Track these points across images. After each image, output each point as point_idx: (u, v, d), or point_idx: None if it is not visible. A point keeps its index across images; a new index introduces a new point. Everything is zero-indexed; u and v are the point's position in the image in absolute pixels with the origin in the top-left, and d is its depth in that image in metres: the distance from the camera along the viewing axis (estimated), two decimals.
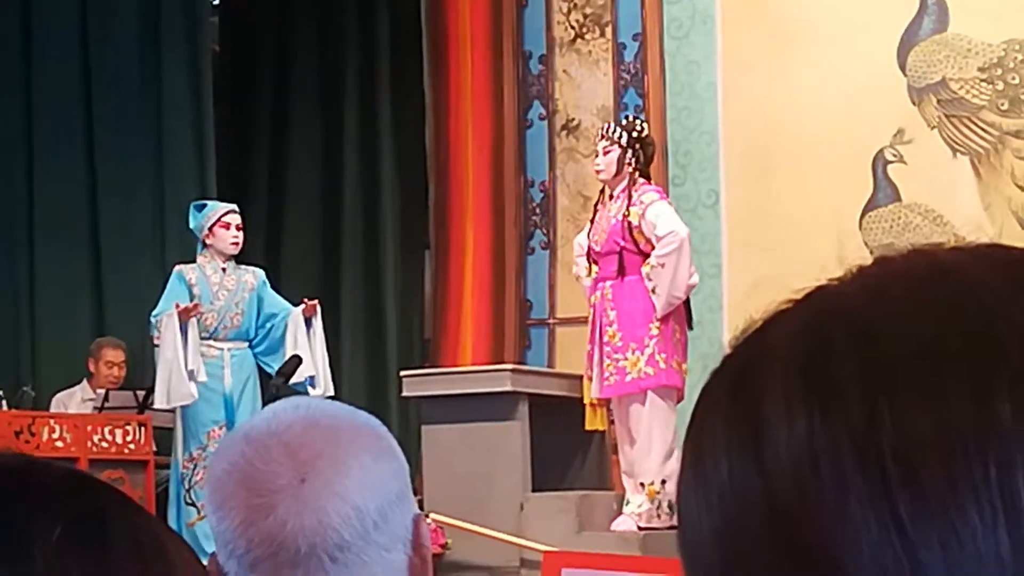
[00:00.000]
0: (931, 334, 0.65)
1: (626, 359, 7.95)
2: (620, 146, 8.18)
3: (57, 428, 8.66)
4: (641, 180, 8.21)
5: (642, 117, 8.92)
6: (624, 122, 8.48)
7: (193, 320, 8.48)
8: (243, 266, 8.92)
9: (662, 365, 7.90)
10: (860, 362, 0.65)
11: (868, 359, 0.65)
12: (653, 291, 7.96)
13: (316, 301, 8.72)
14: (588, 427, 8.19)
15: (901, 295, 0.67)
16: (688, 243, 8.01)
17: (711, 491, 0.68)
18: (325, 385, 8.54)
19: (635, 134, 8.23)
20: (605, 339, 8.05)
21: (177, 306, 8.46)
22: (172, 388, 8.41)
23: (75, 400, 9.87)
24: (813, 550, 0.64)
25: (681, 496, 0.70)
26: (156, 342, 8.63)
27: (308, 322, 8.74)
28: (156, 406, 8.56)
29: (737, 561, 0.66)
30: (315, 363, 8.57)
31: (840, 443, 0.64)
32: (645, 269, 8.00)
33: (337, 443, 1.56)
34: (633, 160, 8.17)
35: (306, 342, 8.61)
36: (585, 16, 10.55)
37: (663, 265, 7.93)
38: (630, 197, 8.12)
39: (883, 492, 0.63)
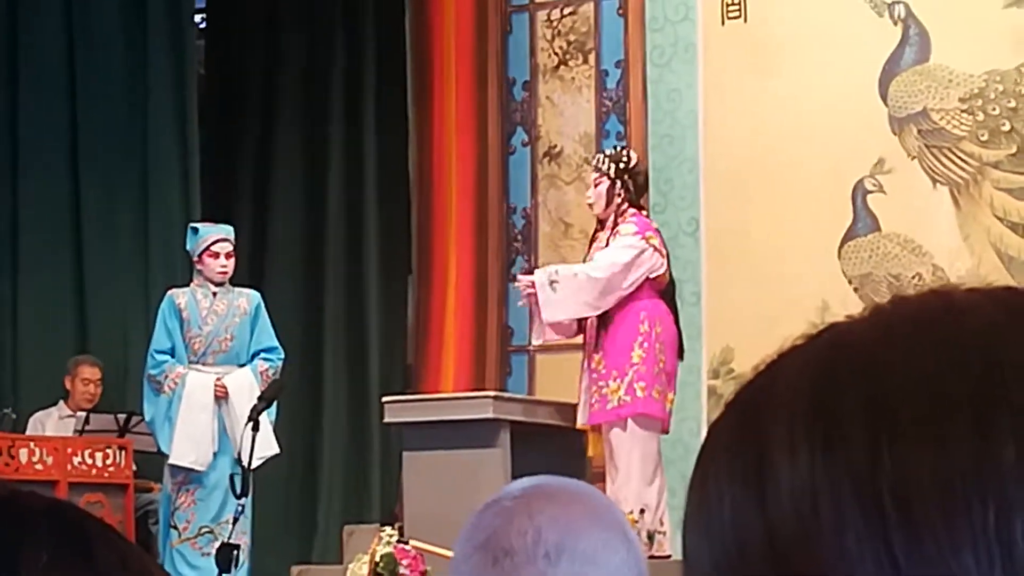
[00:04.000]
0: (936, 375, 0.65)
1: (608, 386, 7.96)
2: (608, 177, 8.14)
3: (37, 451, 8.66)
4: (631, 211, 8.17)
5: (628, 146, 8.89)
6: (611, 152, 8.44)
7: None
8: (238, 288, 8.90)
9: (639, 393, 7.88)
10: (864, 400, 0.65)
11: (872, 397, 0.65)
12: (551, 284, 7.97)
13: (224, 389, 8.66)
14: (592, 452, 8.15)
15: (910, 334, 0.67)
16: (608, 286, 7.94)
17: (713, 522, 0.68)
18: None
19: (622, 164, 8.18)
20: (592, 366, 8.07)
21: (217, 384, 8.51)
22: (200, 454, 8.44)
23: (52, 419, 9.86)
24: None
25: (685, 526, 0.70)
26: (159, 383, 8.61)
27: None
28: (175, 461, 8.52)
29: None
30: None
31: (840, 481, 0.64)
32: (574, 269, 7.98)
33: (572, 495, 1.68)
34: (622, 191, 8.15)
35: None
36: (569, 43, 10.57)
37: (575, 276, 7.95)
38: (615, 227, 8.13)
39: (880, 531, 0.63)
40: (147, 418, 8.71)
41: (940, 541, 0.62)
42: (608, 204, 8.14)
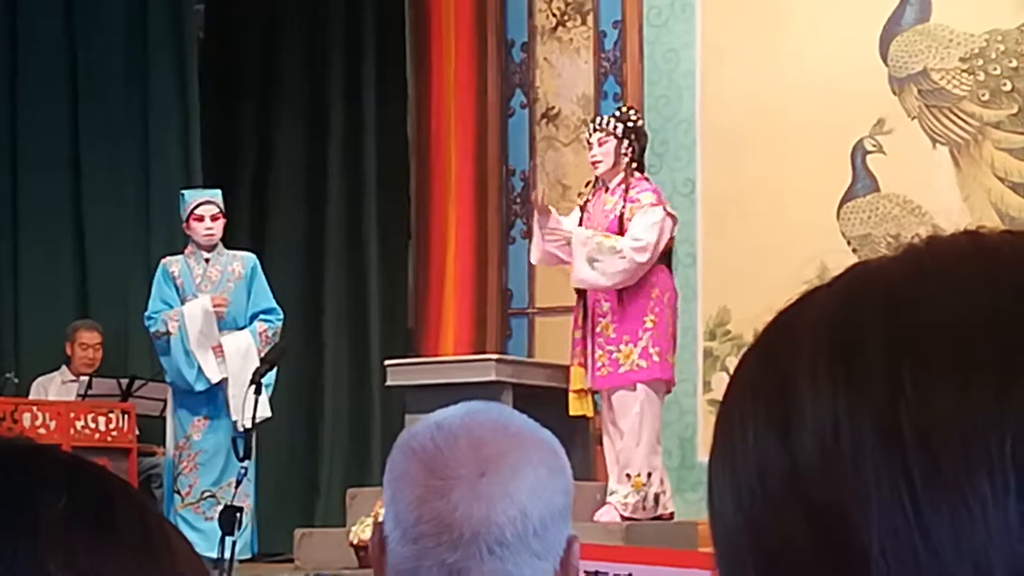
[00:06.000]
0: (960, 309, 0.66)
1: (619, 351, 7.96)
2: (616, 136, 8.12)
3: (40, 415, 8.69)
4: (637, 175, 8.14)
5: (634, 108, 8.83)
6: (618, 112, 8.41)
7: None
8: (232, 251, 8.91)
9: (655, 358, 7.91)
10: (888, 332, 0.66)
11: (896, 329, 0.66)
12: (591, 262, 7.95)
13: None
14: (572, 413, 8.08)
15: (937, 270, 0.68)
16: (646, 267, 7.95)
17: (736, 456, 0.69)
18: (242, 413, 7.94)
19: (630, 124, 8.18)
20: (597, 330, 8.06)
21: (213, 300, 8.55)
22: (228, 361, 8.52)
23: (55, 384, 9.89)
24: (828, 512, 0.65)
25: (710, 463, 0.72)
26: (165, 331, 8.65)
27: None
28: (216, 378, 8.56)
29: (757, 524, 0.68)
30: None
31: (861, 410, 0.65)
32: (610, 242, 7.96)
33: (520, 449, 1.67)
34: (629, 151, 8.12)
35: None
36: (566, 4, 10.55)
37: (621, 257, 7.94)
38: (627, 192, 8.11)
39: (898, 455, 0.64)
40: (170, 378, 8.74)
41: (957, 467, 0.63)
42: (615, 163, 8.11)
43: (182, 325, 8.62)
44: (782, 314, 0.72)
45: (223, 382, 8.61)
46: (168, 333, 8.66)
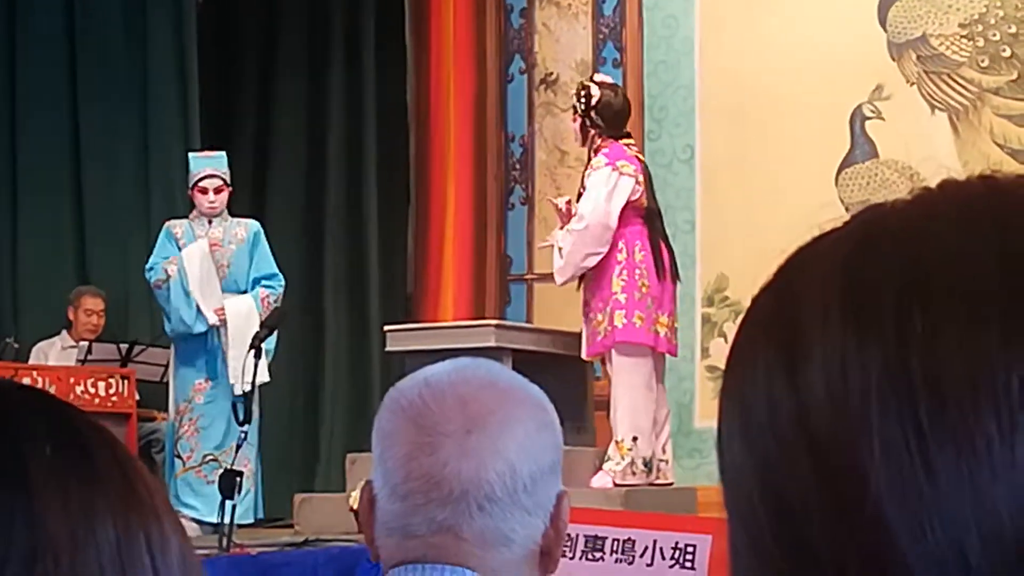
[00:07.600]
0: (971, 250, 0.66)
1: (596, 319, 7.99)
2: (579, 115, 8.12)
3: (40, 380, 8.68)
4: (608, 142, 8.00)
5: (594, 82, 8.58)
6: (578, 88, 8.34)
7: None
8: (236, 218, 8.94)
9: (618, 323, 7.86)
10: (898, 272, 0.66)
11: (906, 269, 0.66)
12: (560, 252, 8.01)
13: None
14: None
15: (949, 212, 0.68)
16: (594, 230, 7.87)
17: (746, 391, 0.70)
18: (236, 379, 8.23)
19: (583, 102, 8.04)
20: (584, 298, 8.10)
21: (210, 239, 8.61)
22: (228, 304, 8.59)
23: (55, 349, 9.89)
24: (833, 448, 0.66)
25: (721, 399, 0.72)
26: (165, 276, 8.69)
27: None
28: (216, 321, 8.61)
29: (764, 458, 0.68)
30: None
31: (869, 348, 0.65)
32: (560, 232, 8.02)
33: (508, 406, 1.68)
34: (592, 127, 8.04)
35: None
36: None
37: (568, 234, 7.95)
38: (589, 162, 8.10)
39: (905, 394, 0.64)
40: (171, 327, 8.73)
41: (964, 406, 0.64)
42: (584, 140, 8.11)
43: (181, 268, 8.65)
44: (796, 254, 0.72)
45: (222, 338, 8.62)
46: (168, 278, 8.69)
